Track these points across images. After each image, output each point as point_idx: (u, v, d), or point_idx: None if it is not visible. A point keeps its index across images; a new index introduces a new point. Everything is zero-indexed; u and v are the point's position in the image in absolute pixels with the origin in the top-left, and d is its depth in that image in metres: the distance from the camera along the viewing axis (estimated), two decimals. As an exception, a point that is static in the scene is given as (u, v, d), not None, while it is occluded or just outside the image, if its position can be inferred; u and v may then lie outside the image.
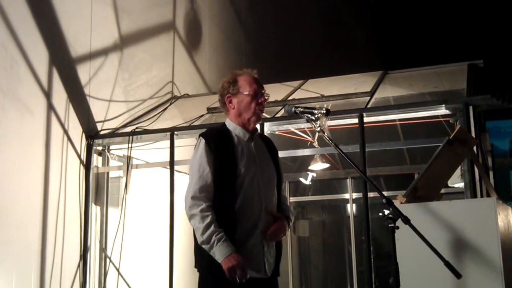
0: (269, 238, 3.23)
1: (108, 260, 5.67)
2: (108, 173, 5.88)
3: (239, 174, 3.20)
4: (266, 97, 3.39)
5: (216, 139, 3.27)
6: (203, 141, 3.27)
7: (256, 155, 3.32)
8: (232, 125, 3.37)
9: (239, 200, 3.19)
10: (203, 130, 5.38)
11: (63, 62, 5.57)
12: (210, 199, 3.18)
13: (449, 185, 5.14)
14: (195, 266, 3.29)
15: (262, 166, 3.32)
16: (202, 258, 3.20)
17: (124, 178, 5.75)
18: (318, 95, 5.80)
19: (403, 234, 2.94)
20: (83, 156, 5.69)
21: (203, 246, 3.11)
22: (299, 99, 5.78)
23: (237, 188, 3.19)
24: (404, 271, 2.98)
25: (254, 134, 3.39)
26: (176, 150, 5.55)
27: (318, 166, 7.56)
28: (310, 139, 5.87)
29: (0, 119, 4.75)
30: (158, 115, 6.37)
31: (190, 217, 3.18)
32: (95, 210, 5.73)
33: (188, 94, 7.36)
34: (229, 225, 3.14)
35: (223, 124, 3.42)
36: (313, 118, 3.20)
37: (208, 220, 3.10)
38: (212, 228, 3.09)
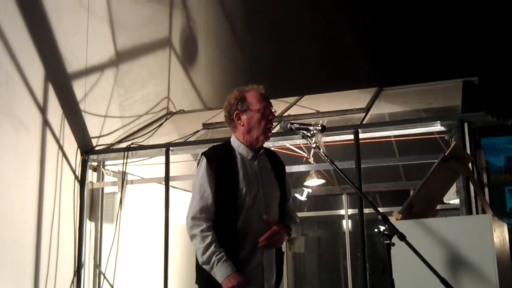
0: (261, 245, 3.18)
1: (102, 277, 5.63)
2: (103, 188, 5.86)
3: (241, 194, 3.19)
4: (275, 113, 3.39)
5: (218, 159, 3.25)
6: (204, 160, 3.25)
7: (259, 174, 3.30)
8: (236, 143, 3.34)
9: (240, 220, 3.18)
10: (198, 146, 5.47)
11: (59, 78, 5.57)
12: (211, 220, 3.17)
13: (445, 201, 5.15)
14: (196, 282, 3.28)
15: (264, 185, 3.30)
16: (202, 276, 3.20)
17: (119, 194, 5.73)
18: (314, 111, 5.80)
19: (398, 251, 2.93)
20: (78, 171, 5.68)
21: (204, 266, 3.10)
22: (294, 115, 5.79)
23: (239, 209, 3.18)
24: (400, 287, 2.97)
25: (259, 153, 3.36)
26: (171, 166, 5.54)
27: (314, 182, 7.56)
28: (305, 155, 5.87)
29: (-5, 134, 4.74)
30: (154, 131, 6.36)
31: (191, 237, 3.18)
32: (89, 226, 5.71)
33: (183, 110, 7.37)
34: (231, 245, 3.14)
35: (228, 141, 3.39)
36: (309, 134, 3.19)
37: (208, 240, 3.10)
38: (212, 248, 3.08)
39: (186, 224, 3.21)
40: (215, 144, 3.49)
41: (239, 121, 3.32)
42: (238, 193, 3.19)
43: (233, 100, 3.35)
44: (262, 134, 3.30)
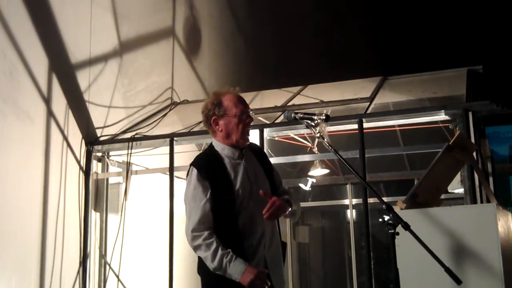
0: (266, 217, 3.18)
1: (107, 267, 5.66)
2: (107, 179, 5.88)
3: (237, 194, 3.21)
4: (252, 115, 3.39)
5: (207, 166, 3.27)
6: (194, 171, 3.25)
7: (249, 171, 3.31)
8: (220, 146, 3.36)
9: (241, 219, 3.20)
10: (203, 136, 5.48)
11: (63, 69, 5.57)
12: (211, 227, 3.18)
13: (449, 190, 5.14)
14: (198, 272, 3.31)
15: (256, 181, 3.32)
16: (204, 274, 3.23)
17: (124, 184, 5.74)
18: (318, 101, 5.80)
19: (403, 240, 2.93)
20: (83, 162, 5.69)
21: (217, 272, 3.11)
22: (298, 105, 5.78)
23: (237, 209, 3.20)
24: (404, 277, 2.98)
25: (243, 151, 3.37)
26: (175, 156, 5.55)
27: (318, 172, 7.56)
28: (309, 145, 5.87)
29: (0, 125, 4.75)
30: (158, 121, 6.37)
31: (195, 248, 3.19)
32: (94, 216, 5.72)
33: (187, 100, 7.36)
34: (235, 245, 3.15)
35: (211, 146, 3.40)
36: (313, 124, 3.19)
37: (213, 246, 3.11)
38: (219, 252, 3.10)
39: (186, 237, 3.22)
40: (199, 153, 3.51)
41: (217, 127, 3.35)
42: (234, 194, 3.20)
43: (210, 105, 3.35)
44: (241, 138, 3.32)
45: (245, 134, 3.33)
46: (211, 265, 3.11)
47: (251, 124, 3.39)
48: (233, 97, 3.36)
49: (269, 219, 3.23)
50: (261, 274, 3.07)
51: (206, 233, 3.14)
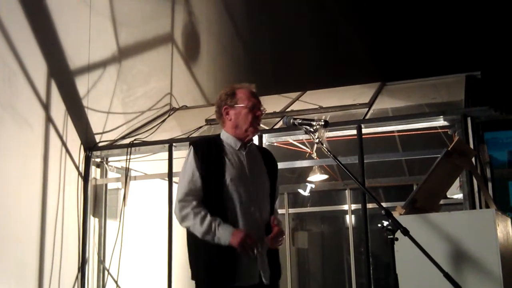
0: (270, 244, 3.21)
1: (106, 272, 5.65)
2: (106, 184, 5.87)
3: (226, 181, 3.22)
4: (263, 111, 3.41)
5: (204, 148, 3.31)
6: (192, 149, 3.31)
7: (247, 164, 3.32)
8: (225, 135, 3.40)
9: (229, 211, 3.20)
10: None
11: (62, 75, 5.58)
12: (200, 200, 3.20)
13: (448, 196, 5.15)
14: (192, 278, 3.28)
15: (253, 175, 3.32)
16: (196, 267, 3.22)
17: (123, 190, 5.74)
18: (317, 106, 5.80)
19: (402, 246, 2.93)
20: (81, 168, 5.69)
21: (206, 238, 3.12)
22: (297, 111, 5.78)
23: (225, 196, 3.20)
24: (403, 283, 2.97)
25: (248, 144, 3.39)
26: (174, 161, 5.54)
27: (317, 177, 7.56)
28: (308, 150, 5.86)
29: (-1, 131, 4.75)
30: (157, 127, 6.37)
31: (183, 219, 3.20)
32: (93, 222, 5.72)
33: (186, 106, 7.37)
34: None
35: (218, 135, 3.45)
36: (312, 129, 3.20)
37: (202, 213, 3.14)
38: (208, 218, 3.12)
39: (174, 210, 3.24)
40: (204, 136, 3.53)
41: (227, 116, 3.39)
42: (224, 181, 3.21)
43: (223, 95, 3.41)
44: (251, 126, 3.34)
45: (255, 123, 3.35)
46: (200, 229, 3.12)
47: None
48: (247, 91, 3.40)
49: (272, 246, 3.25)
50: (250, 235, 3.09)
51: (194, 202, 3.18)
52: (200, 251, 3.21)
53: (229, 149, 3.33)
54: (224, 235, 3.09)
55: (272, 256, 3.31)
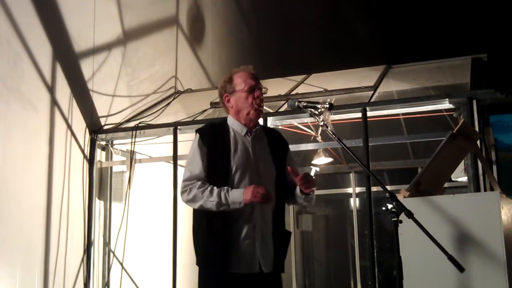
0: (304, 188, 3.24)
1: (111, 255, 5.69)
2: (111, 167, 5.90)
3: (232, 169, 3.22)
4: (264, 91, 3.39)
5: (210, 134, 3.31)
6: (198, 136, 3.32)
7: (252, 150, 3.31)
8: (231, 121, 3.39)
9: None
10: (206, 124, 5.46)
11: (67, 57, 5.58)
12: (204, 182, 3.21)
13: (453, 179, 5.15)
14: (197, 263, 3.30)
15: (258, 161, 3.31)
16: (201, 253, 3.24)
17: (128, 173, 5.76)
18: (321, 89, 5.79)
19: (406, 228, 2.94)
20: (87, 151, 5.70)
21: (221, 208, 3.12)
22: (302, 94, 5.77)
23: (230, 183, 3.20)
24: (407, 265, 2.98)
25: (254, 129, 3.38)
26: (179, 144, 5.55)
27: (322, 160, 7.57)
28: (313, 133, 5.87)
29: (4, 114, 4.76)
30: (161, 110, 6.37)
31: (189, 200, 3.22)
32: (98, 204, 5.75)
33: (191, 89, 7.36)
34: (223, 220, 3.17)
35: (224, 119, 3.44)
36: (316, 112, 3.19)
37: (208, 188, 3.16)
38: (215, 189, 3.14)
39: (180, 193, 3.26)
40: (210, 121, 3.53)
41: (229, 103, 3.39)
42: (230, 167, 3.22)
43: (223, 83, 3.42)
44: (252, 109, 3.32)
45: (256, 105, 3.33)
46: (211, 202, 3.13)
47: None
48: (244, 73, 3.39)
49: (306, 189, 3.25)
50: (257, 185, 3.11)
51: (199, 182, 3.20)
52: (199, 238, 3.26)
53: (235, 135, 3.33)
54: (236, 197, 3.10)
55: (280, 242, 3.31)
